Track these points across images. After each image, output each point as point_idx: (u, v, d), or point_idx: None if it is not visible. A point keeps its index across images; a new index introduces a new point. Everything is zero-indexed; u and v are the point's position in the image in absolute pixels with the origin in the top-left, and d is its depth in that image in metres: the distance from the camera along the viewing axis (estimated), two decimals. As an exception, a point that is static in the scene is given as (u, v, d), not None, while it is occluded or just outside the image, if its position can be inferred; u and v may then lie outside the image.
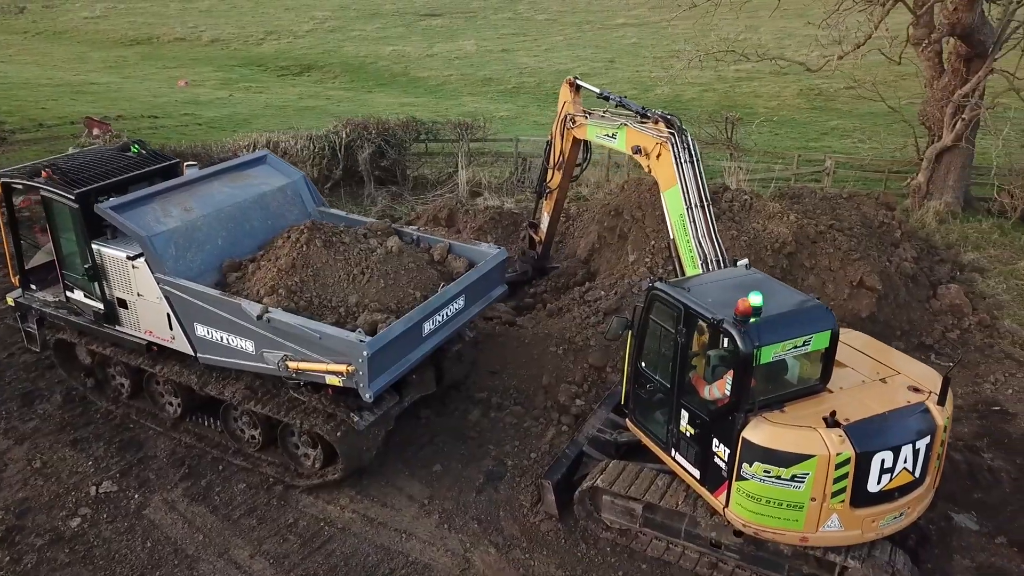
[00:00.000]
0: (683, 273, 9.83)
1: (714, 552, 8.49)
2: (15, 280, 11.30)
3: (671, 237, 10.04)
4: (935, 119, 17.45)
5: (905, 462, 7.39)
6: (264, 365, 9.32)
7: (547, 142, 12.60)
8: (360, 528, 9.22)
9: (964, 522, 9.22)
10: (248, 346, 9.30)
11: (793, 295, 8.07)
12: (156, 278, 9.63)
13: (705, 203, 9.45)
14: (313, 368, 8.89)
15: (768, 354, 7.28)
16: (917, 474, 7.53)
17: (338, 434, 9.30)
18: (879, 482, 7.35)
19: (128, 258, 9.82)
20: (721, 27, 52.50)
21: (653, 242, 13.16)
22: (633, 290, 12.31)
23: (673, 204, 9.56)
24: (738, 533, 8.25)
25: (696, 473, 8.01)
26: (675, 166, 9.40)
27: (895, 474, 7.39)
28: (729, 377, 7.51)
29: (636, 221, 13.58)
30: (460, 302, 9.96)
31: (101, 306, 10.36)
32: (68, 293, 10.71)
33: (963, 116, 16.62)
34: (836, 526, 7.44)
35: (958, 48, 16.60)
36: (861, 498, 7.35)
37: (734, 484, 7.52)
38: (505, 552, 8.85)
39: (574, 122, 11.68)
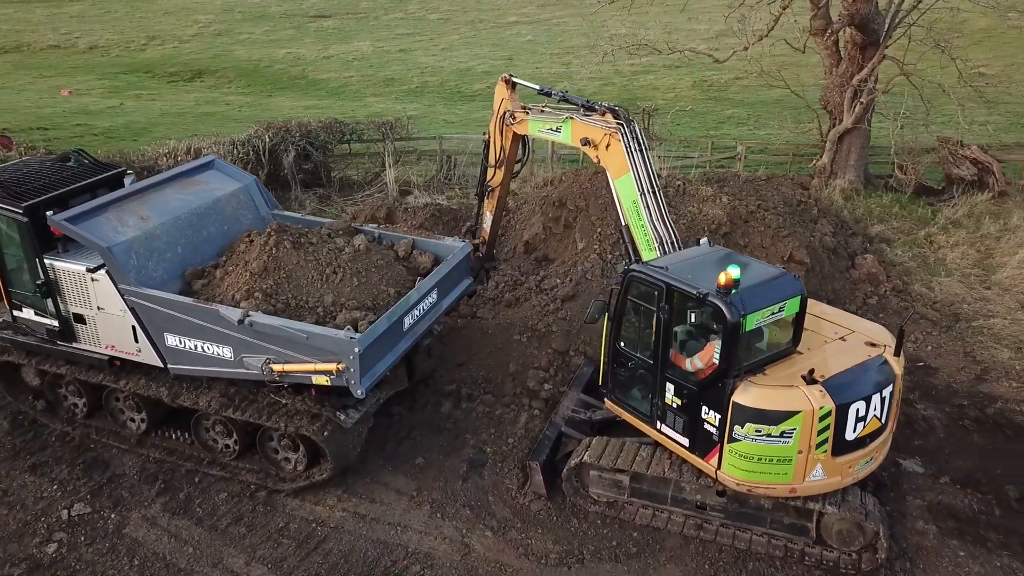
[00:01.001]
0: (637, 257, 10.23)
1: (700, 514, 9.01)
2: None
3: (623, 223, 10.40)
4: (836, 104, 18.73)
5: (874, 410, 8.11)
6: (244, 371, 9.22)
7: (484, 142, 12.37)
8: (353, 525, 9.26)
9: (911, 467, 10.11)
10: (226, 352, 9.18)
11: (762, 267, 8.67)
12: (120, 290, 9.35)
13: (656, 189, 9.90)
14: (299, 369, 8.87)
15: (752, 321, 7.83)
16: (883, 420, 8.27)
17: (325, 434, 9.30)
18: (854, 430, 8.04)
19: (88, 270, 9.48)
20: (609, 25, 54.21)
21: (599, 229, 13.65)
22: (587, 276, 12.76)
23: (625, 191, 9.86)
24: (721, 493, 8.81)
25: (685, 441, 8.49)
26: (626, 155, 9.74)
27: (867, 422, 8.10)
28: (715, 347, 8.03)
29: (580, 210, 14.04)
30: (434, 296, 10.13)
31: (55, 323, 9.95)
32: (15, 312, 10.22)
33: (861, 100, 17.93)
34: (820, 475, 8.09)
35: (854, 37, 17.89)
36: (840, 447, 8.02)
37: (726, 447, 8.04)
38: (501, 534, 9.10)
39: (514, 118, 11.50)
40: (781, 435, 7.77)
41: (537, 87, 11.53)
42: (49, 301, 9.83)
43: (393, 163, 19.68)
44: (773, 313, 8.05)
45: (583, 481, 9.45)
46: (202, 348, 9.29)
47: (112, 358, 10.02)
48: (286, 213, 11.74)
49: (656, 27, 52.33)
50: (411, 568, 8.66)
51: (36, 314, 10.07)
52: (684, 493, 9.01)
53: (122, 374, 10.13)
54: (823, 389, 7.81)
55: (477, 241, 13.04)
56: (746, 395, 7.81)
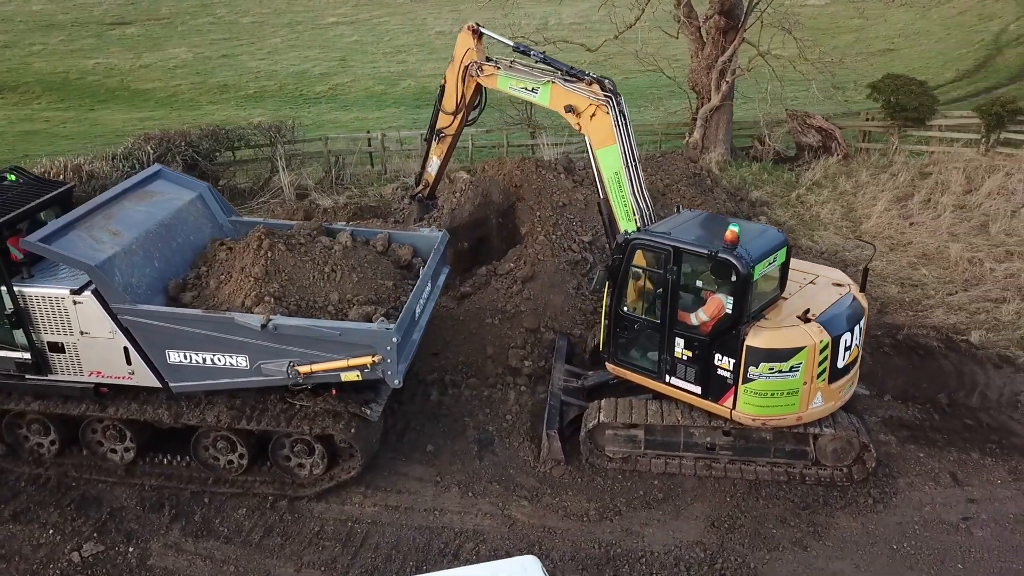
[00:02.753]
0: (613, 227, 10.90)
1: (709, 455, 9.90)
2: None
3: (602, 195, 11.01)
4: (703, 84, 20.47)
5: (856, 339, 9.34)
6: (261, 378, 9.00)
7: (440, 86, 11.99)
8: (390, 518, 9.32)
9: (859, 390, 11.54)
10: (241, 362, 8.91)
11: (748, 224, 9.67)
12: (114, 310, 8.79)
13: (637, 162, 10.61)
14: (328, 368, 8.81)
15: (758, 272, 8.78)
16: (860, 349, 9.54)
17: (352, 431, 9.28)
18: (843, 359, 9.22)
19: (72, 292, 8.82)
20: (431, 24, 54.81)
21: (538, 212, 14.22)
22: (540, 256, 13.29)
23: (608, 162, 10.22)
24: (727, 433, 9.76)
25: (696, 390, 9.33)
26: (614, 127, 10.25)
27: (851, 351, 9.32)
28: (720, 300, 8.93)
29: (520, 198, 14.52)
30: (430, 285, 10.31)
31: (27, 356, 9.14)
32: (-27, 349, 9.26)
33: (726, 80, 19.75)
34: (819, 402, 9.21)
35: (718, 22, 19.64)
36: (834, 374, 9.18)
37: (741, 387, 8.95)
38: (537, 501, 9.52)
39: (481, 71, 11.14)
40: (790, 370, 8.79)
41: (511, 43, 11.52)
42: (19, 332, 9.02)
43: (286, 167, 19.16)
44: (770, 263, 9.06)
45: (597, 442, 10.06)
46: (212, 361, 8.94)
47: (98, 385, 9.35)
48: (245, 219, 11.38)
49: (481, 21, 53.64)
50: (465, 546, 8.89)
51: (1, 348, 9.18)
52: (694, 438, 9.86)
53: (108, 402, 9.47)
54: (819, 326, 8.91)
55: (420, 188, 13.18)
56: (758, 338, 8.76)
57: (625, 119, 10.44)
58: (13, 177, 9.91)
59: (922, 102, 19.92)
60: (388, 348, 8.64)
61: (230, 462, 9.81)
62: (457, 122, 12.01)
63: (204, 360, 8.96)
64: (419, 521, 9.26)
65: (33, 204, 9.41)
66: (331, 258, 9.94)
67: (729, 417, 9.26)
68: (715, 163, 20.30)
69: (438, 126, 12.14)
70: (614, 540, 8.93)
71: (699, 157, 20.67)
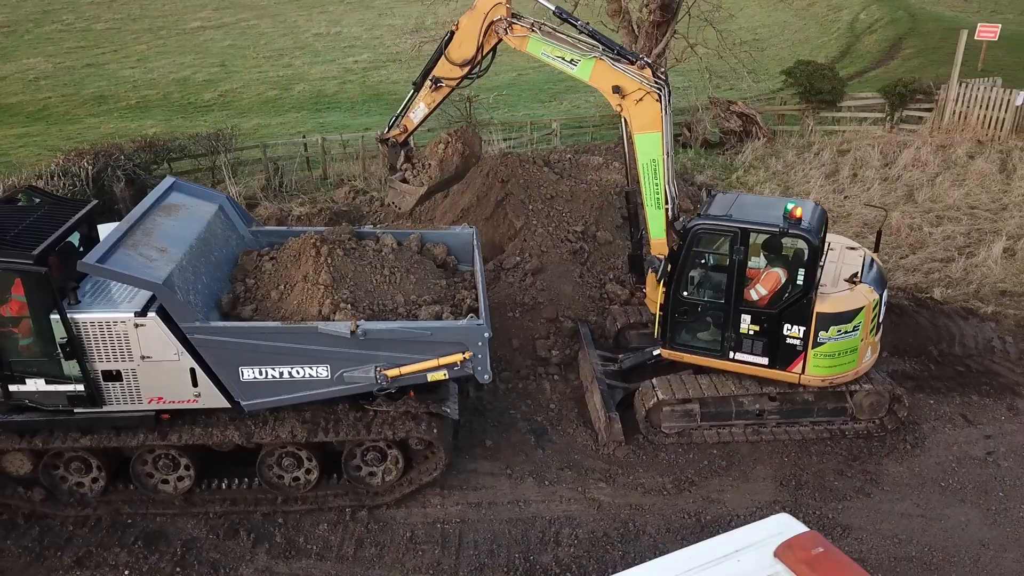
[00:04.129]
0: (639, 216, 11.15)
1: (758, 420, 10.52)
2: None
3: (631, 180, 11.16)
4: (638, 76, 21.23)
5: (885, 295, 10.22)
6: (342, 387, 8.79)
7: (449, 32, 10.89)
8: (477, 515, 9.32)
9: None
10: (322, 372, 8.66)
11: (791, 200, 10.32)
12: (184, 329, 8.31)
13: (671, 152, 10.84)
14: (416, 369, 8.72)
15: (822, 244, 9.45)
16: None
17: (434, 431, 9.21)
18: (880, 316, 10.08)
19: (136, 314, 8.26)
20: (304, 26, 53.50)
21: (530, 206, 14.42)
22: (542, 248, 13.49)
23: (647, 148, 10.32)
24: (773, 398, 10.41)
25: (763, 361, 9.91)
26: (662, 115, 10.19)
27: (884, 308, 10.19)
28: (777, 274, 9.54)
29: (509, 193, 14.64)
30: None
31: (81, 387, 8.47)
32: (14, 387, 8.46)
33: (661, 71, 20.56)
34: (868, 357, 10.03)
35: (652, 16, 20.44)
36: (876, 330, 10.01)
37: (810, 352, 9.60)
38: (613, 481, 9.79)
39: (511, 29, 10.32)
40: (853, 329, 9.53)
41: (552, 7, 10.71)
42: (73, 363, 8.35)
43: (232, 175, 18.36)
44: (822, 235, 9.76)
45: (654, 420, 10.45)
46: (290, 374, 8.64)
47: (159, 412, 8.80)
48: (266, 228, 10.97)
49: (350, 25, 52.97)
50: (562, 532, 9.05)
51: (48, 383, 8.46)
52: (744, 407, 10.44)
53: (168, 429, 8.93)
54: (869, 286, 9.70)
55: (395, 133, 11.80)
56: (826, 304, 9.44)
57: (670, 109, 10.60)
58: (25, 197, 9.11)
59: (834, 86, 21.60)
60: (480, 344, 8.66)
61: (296, 479, 9.48)
62: (460, 73, 10.95)
63: (281, 374, 8.63)
64: (507, 514, 9.32)
65: (70, 224, 8.71)
66: (385, 261, 9.79)
67: (798, 382, 9.89)
68: (654, 151, 21.11)
69: (438, 73, 11.00)
70: (699, 509, 9.35)
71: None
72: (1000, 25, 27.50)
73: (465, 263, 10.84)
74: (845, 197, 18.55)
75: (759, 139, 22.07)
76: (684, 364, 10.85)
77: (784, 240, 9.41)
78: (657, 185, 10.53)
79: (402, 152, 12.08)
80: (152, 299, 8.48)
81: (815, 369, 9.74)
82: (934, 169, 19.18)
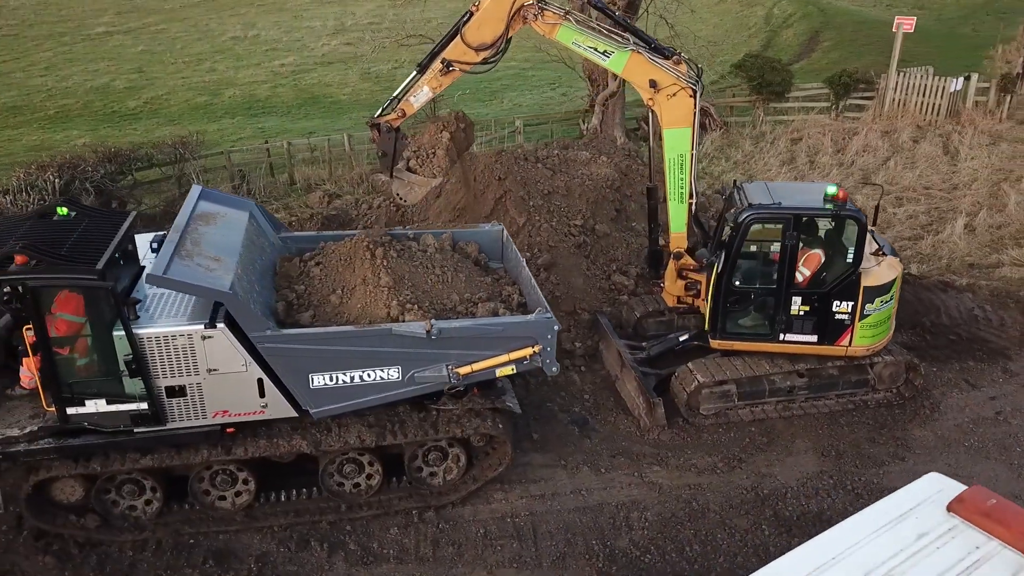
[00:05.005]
0: (660, 210, 11.40)
1: (788, 396, 11.00)
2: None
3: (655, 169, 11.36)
4: (600, 72, 21.64)
5: (894, 265, 10.93)
6: (412, 388, 8.76)
7: (468, 11, 10.12)
8: (543, 506, 9.44)
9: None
10: (393, 374, 8.61)
11: (806, 184, 10.82)
12: (254, 339, 8.11)
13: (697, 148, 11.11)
14: (487, 365, 8.76)
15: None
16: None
17: (500, 426, 9.28)
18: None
19: (206, 327, 8.01)
20: (217, 29, 51.94)
21: (531, 202, 14.57)
22: (550, 243, 13.66)
23: (675, 143, 10.54)
24: (802, 375, 10.92)
25: (812, 339, 10.41)
26: (694, 111, 10.31)
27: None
28: (819, 254, 10.05)
29: (508, 190, 14.73)
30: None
31: (145, 405, 8.15)
32: (72, 409, 8.06)
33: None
34: (893, 325, 10.68)
35: (618, 12, 20.80)
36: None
37: (858, 324, 10.22)
38: (666, 464, 10.07)
39: (542, 16, 9.86)
40: (890, 299, 10.21)
41: None
42: (134, 381, 8.02)
43: (200, 183, 17.73)
44: (859, 213, 10.35)
45: (692, 402, 10.80)
46: (360, 378, 8.54)
47: (224, 426, 8.55)
48: (295, 234, 10.76)
49: (265, 27, 51.77)
50: (631, 516, 9.27)
51: (110, 403, 8.09)
52: (776, 384, 10.91)
53: (230, 443, 8.69)
54: (895, 258, 10.35)
55: (390, 116, 10.53)
56: (871, 277, 10.07)
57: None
58: (65, 210, 8.66)
59: (783, 77, 22.57)
60: (549, 336, 8.78)
61: (356, 485, 9.38)
62: (476, 57, 10.15)
63: (352, 379, 8.53)
64: (573, 503, 9.47)
65: (121, 236, 8.35)
66: (434, 261, 9.78)
67: (845, 354, 10.45)
68: (619, 146, 21.59)
69: (450, 56, 10.06)
70: (755, 484, 9.74)
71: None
72: (915, 18, 29.28)
73: (495, 260, 10.92)
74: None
75: (714, 130, 22.85)
76: (710, 349, 11.29)
77: (840, 221, 9.94)
78: (683, 180, 10.77)
79: (395, 138, 10.66)
80: (215, 310, 8.25)
81: (860, 340, 10.36)
82: (884, 153, 20.33)
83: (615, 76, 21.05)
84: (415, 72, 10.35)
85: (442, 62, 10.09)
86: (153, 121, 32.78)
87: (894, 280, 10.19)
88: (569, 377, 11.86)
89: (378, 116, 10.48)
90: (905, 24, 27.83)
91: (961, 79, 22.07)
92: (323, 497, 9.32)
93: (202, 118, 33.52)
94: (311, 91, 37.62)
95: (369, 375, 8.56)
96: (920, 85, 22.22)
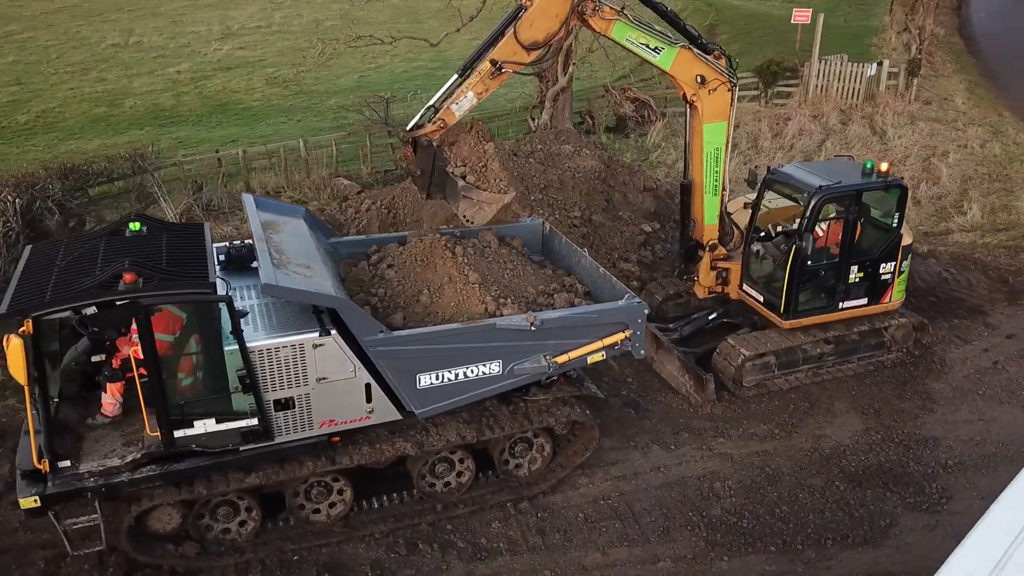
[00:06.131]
0: (690, 203, 11.67)
1: (818, 363, 11.76)
2: (41, 463, 7.36)
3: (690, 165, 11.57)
4: (550, 68, 22.03)
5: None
6: (511, 381, 8.85)
7: (518, 6, 9.54)
8: (629, 486, 9.72)
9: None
10: (494, 368, 8.67)
11: (830, 162, 11.58)
12: (366, 343, 7.99)
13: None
14: (583, 352, 8.97)
15: None
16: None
17: (588, 413, 9.51)
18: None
19: (320, 335, 7.83)
20: (94, 37, 49.13)
21: (531, 196, 14.78)
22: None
23: (712, 137, 10.93)
24: (829, 342, 11.71)
25: (863, 301, 11.34)
26: (731, 105, 10.80)
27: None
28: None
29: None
30: (575, 266, 10.68)
31: (255, 421, 7.88)
32: (180, 432, 7.67)
33: (573, 62, 21.57)
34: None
35: (562, 9, 21.23)
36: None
37: (896, 281, 11.28)
38: (729, 436, 10.58)
39: (600, 11, 9.63)
40: (911, 256, 11.48)
41: None
42: (244, 397, 7.74)
43: (163, 195, 16.91)
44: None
45: (738, 376, 11.37)
46: (464, 375, 8.56)
47: (331, 436, 8.37)
48: (344, 239, 10.56)
49: (147, 32, 49.34)
50: (714, 486, 9.71)
51: (219, 421, 7.75)
52: (808, 352, 11.64)
53: (334, 453, 8.50)
54: None
55: (428, 130, 9.39)
56: (905, 238, 11.11)
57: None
58: (138, 225, 8.20)
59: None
60: (639, 321, 9.08)
61: (447, 484, 9.37)
62: (527, 59, 9.64)
63: (456, 376, 8.53)
64: (657, 480, 9.82)
65: (212, 247, 8.02)
66: (500, 256, 9.89)
67: (887, 311, 11.49)
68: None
69: (500, 56, 9.32)
70: (814, 445, 10.40)
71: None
72: (811, 9, 31.35)
73: (535, 253, 11.10)
74: (756, 166, 20.55)
75: (654, 122, 23.73)
76: (737, 325, 11.98)
77: (891, 190, 10.97)
78: (718, 173, 11.23)
79: (425, 151, 9.54)
80: (319, 317, 8.08)
81: (897, 295, 11.53)
82: (819, 136, 21.78)
83: (564, 71, 21.61)
84: (455, 76, 9.54)
85: (491, 63, 9.39)
86: (52, 136, 30.70)
87: (912, 240, 11.30)
88: (606, 363, 12.14)
89: (413, 129, 9.51)
90: (801, 16, 29.82)
91: (875, 65, 23.90)
92: (416, 499, 9.26)
93: (106, 131, 31.69)
94: (217, 98, 36.18)
95: (472, 371, 8.59)
96: (840, 72, 23.89)
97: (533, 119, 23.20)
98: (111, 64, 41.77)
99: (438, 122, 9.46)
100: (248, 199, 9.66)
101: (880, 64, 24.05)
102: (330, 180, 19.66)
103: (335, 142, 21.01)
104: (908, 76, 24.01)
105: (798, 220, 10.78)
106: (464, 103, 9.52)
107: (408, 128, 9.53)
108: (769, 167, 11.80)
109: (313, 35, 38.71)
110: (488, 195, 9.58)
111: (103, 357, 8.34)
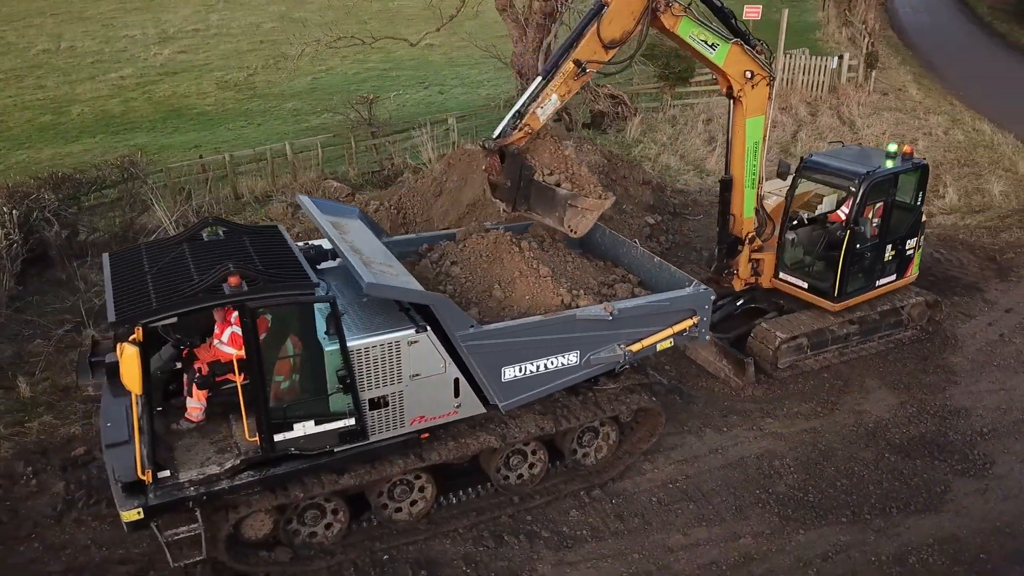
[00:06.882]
0: (730, 198, 11.82)
1: (844, 343, 12.27)
2: (145, 474, 7.17)
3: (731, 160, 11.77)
4: (528, 66, 22.17)
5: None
6: (586, 371, 9.01)
7: (598, 4, 9.42)
8: (692, 469, 9.99)
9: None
10: (572, 359, 8.82)
11: (852, 148, 12.16)
12: (459, 338, 8.04)
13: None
14: (654, 340, 9.19)
15: None
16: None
17: (653, 399, 9.73)
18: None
19: (416, 332, 7.84)
20: (22, 43, 47.22)
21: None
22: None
23: (752, 131, 11.17)
24: (853, 322, 12.23)
25: (893, 277, 11.96)
26: (769, 100, 11.02)
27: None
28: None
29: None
30: (621, 259, 10.89)
31: (352, 421, 7.84)
32: (280, 436, 7.57)
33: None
34: (918, 259, 12.49)
35: (542, 8, 21.42)
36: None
37: (917, 254, 12.05)
38: (775, 416, 10.95)
39: (671, 8, 9.61)
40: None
41: None
42: (343, 397, 7.70)
43: (158, 202, 16.44)
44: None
45: (774, 358, 11.77)
46: (545, 366, 8.68)
47: (420, 432, 8.37)
48: (396, 238, 10.52)
49: (78, 37, 47.66)
50: (773, 464, 10.05)
51: (318, 423, 7.68)
52: (835, 333, 12.13)
53: (422, 450, 8.51)
54: None
55: (514, 138, 9.22)
56: (924, 215, 11.70)
57: None
58: (216, 230, 8.06)
59: (688, 64, 24.28)
60: (706, 307, 9.34)
61: (520, 476, 9.47)
62: (606, 58, 9.56)
63: (538, 368, 8.64)
64: (717, 462, 10.11)
65: (297, 248, 7.94)
66: (560, 251, 10.02)
67: (908, 284, 12.20)
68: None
69: (583, 56, 9.23)
70: (857, 421, 10.86)
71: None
72: (760, 6, 32.37)
73: (574, 248, 11.25)
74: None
75: (629, 117, 24.17)
76: (762, 310, 12.43)
77: (921, 171, 11.74)
78: (755, 166, 11.52)
79: (512, 160, 9.48)
80: (407, 314, 8.09)
81: (916, 268, 12.22)
82: (791, 127, 22.57)
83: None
84: (538, 80, 9.47)
85: (575, 63, 9.31)
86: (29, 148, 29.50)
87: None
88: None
89: (499, 138, 9.33)
90: (752, 12, 30.77)
91: (836, 58, 24.87)
92: (492, 493, 9.32)
93: (56, 139, 30.63)
94: (169, 103, 35.23)
95: (552, 362, 8.71)
96: (804, 65, 24.77)
97: (514, 117, 23.34)
98: (46, 70, 40.20)
99: (525, 128, 9.36)
100: (305, 200, 9.56)
101: (841, 58, 25.03)
102: (319, 183, 19.41)
103: (320, 144, 20.74)
104: (867, 68, 25.04)
105: (848, 205, 11.31)
106: (548, 107, 9.49)
107: (495, 136, 9.33)
108: (803, 157, 12.21)
109: (261, 37, 37.86)
110: (591, 201, 9.50)
111: (178, 365, 8.18)
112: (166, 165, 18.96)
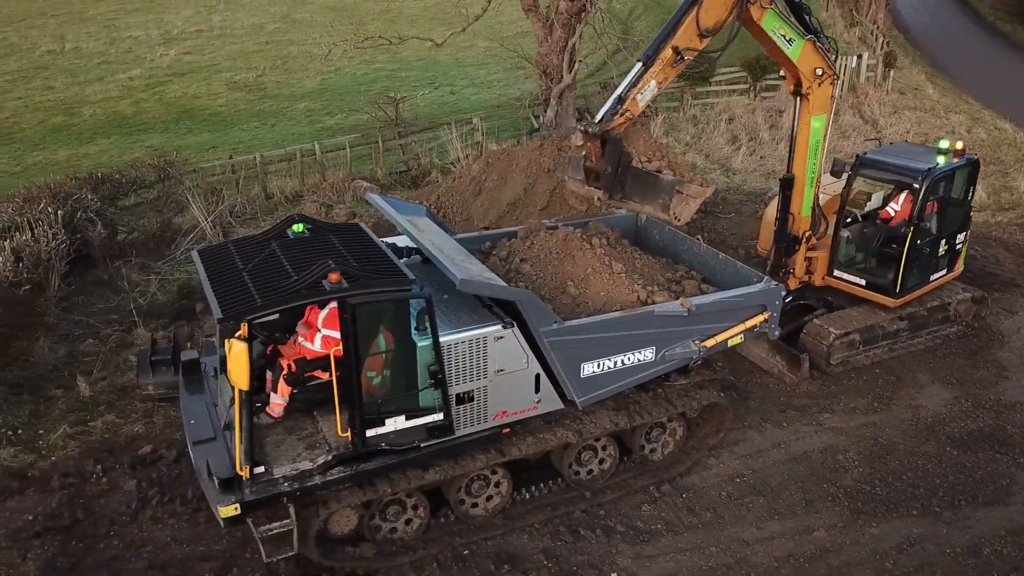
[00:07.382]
0: (790, 197, 11.75)
1: (894, 339, 12.37)
2: (243, 470, 7.19)
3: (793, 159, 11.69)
4: (553, 66, 22.25)
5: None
6: (662, 367, 9.09)
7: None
8: (757, 463, 10.06)
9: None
10: (648, 355, 8.90)
11: (900, 146, 12.33)
12: (543, 333, 8.09)
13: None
14: (727, 335, 9.27)
15: None
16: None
17: (722, 394, 9.80)
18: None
19: (503, 327, 7.89)
20: (21, 42, 47.10)
21: (587, 190, 14.96)
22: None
23: (816, 129, 11.20)
24: (902, 318, 12.33)
25: (945, 270, 12.10)
26: (832, 98, 11.04)
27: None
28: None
29: (560, 181, 15.01)
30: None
31: (440, 416, 7.89)
32: (372, 431, 7.61)
33: (578, 59, 21.87)
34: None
35: (568, 8, 21.49)
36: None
37: (964, 248, 12.26)
38: (832, 411, 11.04)
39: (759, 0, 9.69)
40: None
41: None
42: (434, 392, 7.75)
43: (195, 202, 16.46)
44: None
45: (827, 354, 11.86)
46: (622, 362, 8.75)
47: (503, 427, 8.42)
48: (462, 235, 10.57)
49: (81, 38, 47.54)
50: (836, 458, 10.14)
51: (408, 418, 7.72)
52: (886, 329, 12.23)
53: (502, 445, 8.56)
54: None
55: (621, 120, 9.25)
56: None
57: None
58: (301, 227, 8.10)
59: (709, 63, 24.37)
60: (777, 303, 9.43)
61: (590, 471, 9.53)
62: (701, 46, 9.59)
63: (615, 364, 8.71)
64: (781, 456, 10.19)
65: (383, 245, 8.00)
66: (625, 248, 10.09)
67: (956, 277, 12.40)
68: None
69: (681, 43, 9.31)
70: (914, 415, 10.96)
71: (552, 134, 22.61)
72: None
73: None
74: (761, 157, 21.34)
75: (651, 116, 24.25)
76: (810, 306, 12.54)
77: (972, 166, 11.87)
78: (815, 164, 11.54)
79: (613, 145, 9.35)
80: (491, 310, 8.15)
81: (962, 262, 12.35)
82: (814, 127, 22.63)
83: (570, 68, 21.89)
84: (639, 65, 9.39)
85: (673, 50, 9.31)
86: (13, 147, 29.40)
87: None
88: (691, 349, 12.50)
89: (600, 123, 9.22)
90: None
91: (856, 58, 25.02)
92: (564, 488, 9.38)
93: (70, 140, 30.64)
94: (180, 104, 35.23)
95: (629, 358, 8.78)
96: (824, 65, 24.87)
97: (537, 116, 23.44)
98: (53, 71, 40.11)
99: (626, 113, 9.30)
100: (378, 199, 9.62)
101: (860, 57, 25.19)
102: (349, 182, 19.45)
103: (349, 144, 20.77)
104: (885, 68, 25.21)
105: (898, 201, 11.54)
106: (647, 93, 9.47)
107: (597, 121, 9.26)
108: (858, 155, 12.28)
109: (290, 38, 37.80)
110: (696, 188, 9.40)
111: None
112: (198, 165, 18.93)
